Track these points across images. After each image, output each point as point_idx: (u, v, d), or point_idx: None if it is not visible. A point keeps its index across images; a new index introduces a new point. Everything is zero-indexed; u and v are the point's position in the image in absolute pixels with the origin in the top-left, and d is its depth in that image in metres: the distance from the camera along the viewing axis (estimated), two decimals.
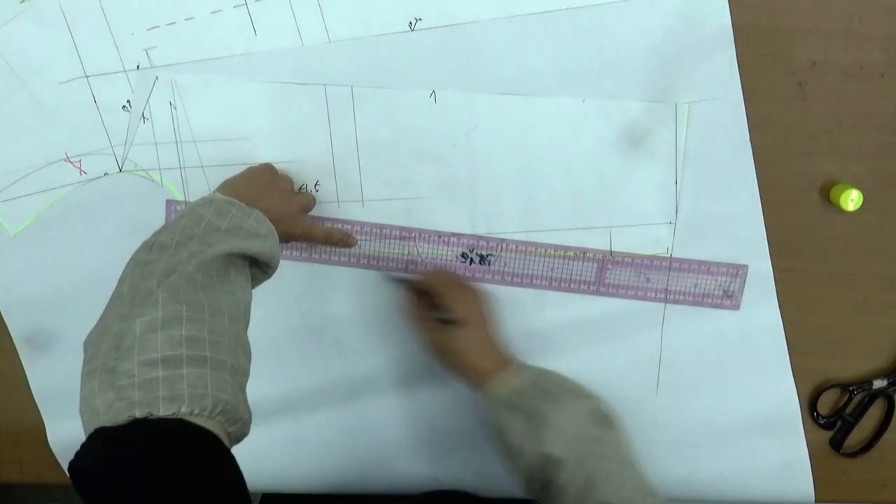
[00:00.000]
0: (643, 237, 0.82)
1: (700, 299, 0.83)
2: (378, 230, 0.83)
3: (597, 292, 0.84)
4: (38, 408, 0.89)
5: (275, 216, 0.69)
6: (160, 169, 0.81)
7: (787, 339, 0.84)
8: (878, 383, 0.86)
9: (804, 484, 0.88)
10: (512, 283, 0.84)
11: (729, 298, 0.83)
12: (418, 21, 0.76)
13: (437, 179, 0.81)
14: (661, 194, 0.80)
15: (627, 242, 0.82)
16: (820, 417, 0.88)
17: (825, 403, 0.88)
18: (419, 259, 0.84)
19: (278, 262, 0.69)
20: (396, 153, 0.80)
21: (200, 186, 0.81)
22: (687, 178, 0.80)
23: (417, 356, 0.84)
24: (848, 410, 0.88)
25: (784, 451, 0.87)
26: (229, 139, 0.80)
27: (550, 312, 0.84)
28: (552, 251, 0.83)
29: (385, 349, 0.86)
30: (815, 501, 0.90)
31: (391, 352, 0.86)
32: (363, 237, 0.83)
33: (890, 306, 0.85)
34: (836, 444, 0.89)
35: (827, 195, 0.81)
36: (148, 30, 0.76)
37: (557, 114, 0.78)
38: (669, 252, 0.82)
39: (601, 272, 0.83)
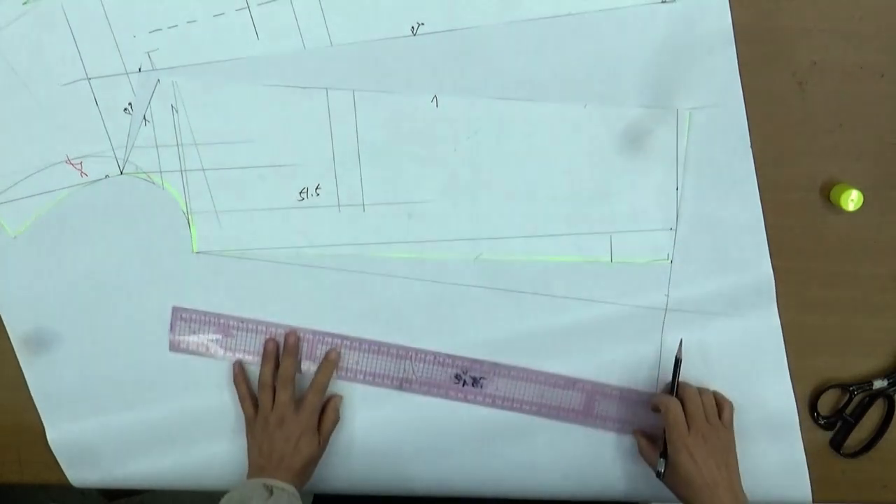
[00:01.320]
0: (643, 243, 0.82)
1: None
2: (376, 347, 0.84)
3: (584, 423, 0.86)
4: (38, 408, 0.89)
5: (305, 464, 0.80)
6: (161, 171, 0.81)
7: (786, 339, 0.84)
8: (878, 383, 0.86)
9: (801, 484, 0.88)
10: (503, 408, 0.86)
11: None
12: (421, 25, 0.76)
13: (439, 184, 0.81)
14: (661, 200, 0.80)
15: (627, 248, 0.82)
16: (820, 418, 0.88)
17: (825, 404, 0.88)
18: (414, 377, 0.85)
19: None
20: (398, 157, 0.80)
21: (201, 189, 0.81)
22: (687, 184, 0.80)
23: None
24: (848, 411, 0.88)
25: (782, 453, 0.87)
26: (231, 142, 0.80)
27: (550, 315, 0.84)
28: (543, 378, 0.85)
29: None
30: (815, 502, 0.90)
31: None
32: (360, 353, 0.84)
33: (890, 306, 0.85)
34: (836, 445, 0.89)
35: (827, 195, 0.81)
36: (150, 32, 0.76)
37: (558, 119, 0.78)
38: (669, 258, 0.82)
39: (589, 403, 0.86)
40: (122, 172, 0.81)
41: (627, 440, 0.87)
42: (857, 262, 0.83)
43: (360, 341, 0.85)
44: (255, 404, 0.84)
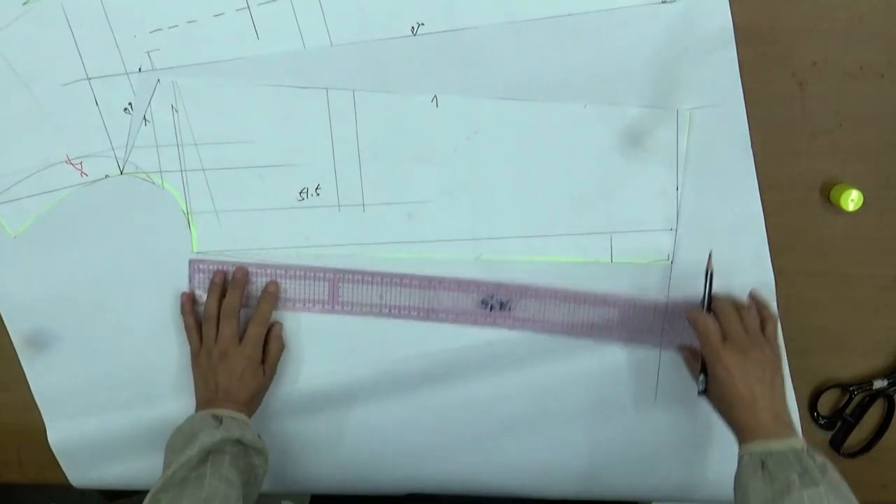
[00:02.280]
0: (644, 243, 0.82)
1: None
2: (398, 280, 0.83)
3: (619, 338, 0.85)
4: (39, 408, 0.89)
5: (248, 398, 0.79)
6: (161, 171, 0.81)
7: (786, 339, 0.84)
8: (878, 383, 0.86)
9: None
10: (534, 329, 0.84)
11: None
12: (421, 25, 0.76)
13: (438, 184, 0.81)
14: (661, 200, 0.80)
15: (628, 248, 0.82)
16: (820, 418, 0.88)
17: (825, 404, 0.88)
18: (439, 307, 0.84)
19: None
20: (398, 157, 0.80)
21: (201, 189, 0.81)
22: (688, 184, 0.80)
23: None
24: (848, 410, 0.88)
25: None
26: (231, 142, 0.80)
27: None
28: (573, 296, 0.83)
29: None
30: None
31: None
32: (383, 286, 0.83)
33: (890, 306, 0.85)
34: (836, 445, 0.89)
35: (827, 195, 0.81)
36: (150, 32, 0.76)
37: (558, 119, 0.78)
38: (670, 259, 0.82)
39: (623, 316, 0.84)
40: (122, 172, 0.81)
41: (627, 440, 0.87)
42: (857, 262, 0.83)
43: (383, 275, 0.83)
44: (202, 337, 0.83)
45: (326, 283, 0.83)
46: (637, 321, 0.84)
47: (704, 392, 0.78)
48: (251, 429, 0.77)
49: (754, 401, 0.72)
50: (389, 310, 0.84)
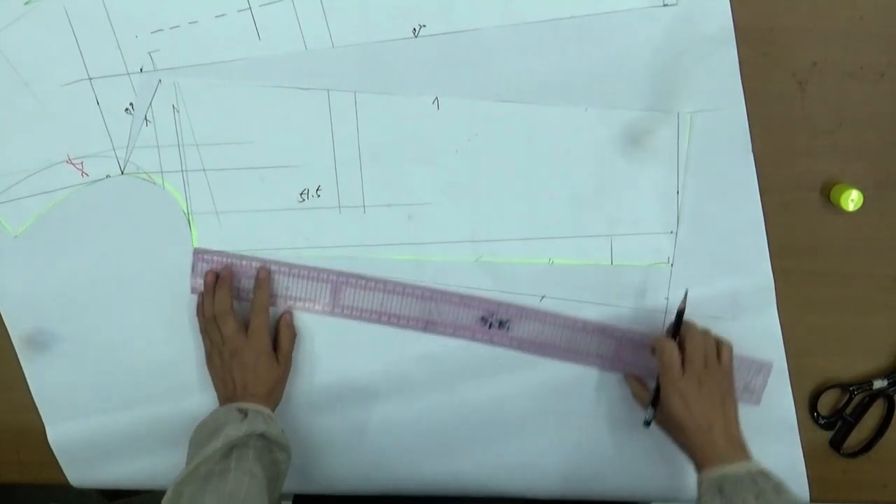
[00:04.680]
0: (644, 246, 0.82)
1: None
2: (401, 289, 0.83)
3: (612, 368, 0.85)
4: (38, 408, 0.89)
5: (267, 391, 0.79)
6: (162, 172, 0.81)
7: (786, 339, 0.84)
8: (878, 383, 0.86)
9: (799, 485, 0.89)
10: (529, 352, 0.85)
11: (750, 393, 0.85)
12: (422, 27, 0.76)
13: (439, 185, 0.81)
14: (662, 203, 0.80)
15: (628, 251, 0.82)
16: (820, 418, 0.88)
17: (825, 404, 0.88)
18: (439, 319, 0.84)
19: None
20: (398, 159, 0.80)
21: (202, 190, 0.81)
22: (688, 186, 0.80)
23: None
24: (848, 410, 0.88)
25: (780, 453, 0.88)
26: (232, 143, 0.80)
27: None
28: (571, 323, 0.84)
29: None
30: (816, 502, 0.90)
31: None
32: (384, 294, 0.83)
33: (890, 306, 0.85)
34: (836, 445, 0.89)
35: (827, 195, 0.81)
36: (152, 33, 0.76)
37: (559, 122, 0.78)
38: (670, 261, 0.82)
39: (619, 350, 0.84)
40: (123, 172, 0.81)
41: (627, 438, 0.88)
42: (857, 262, 0.83)
43: (385, 282, 0.83)
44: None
45: (328, 286, 0.84)
46: (635, 356, 0.85)
47: (649, 424, 0.79)
48: (276, 423, 0.77)
49: (710, 428, 0.73)
50: (389, 318, 0.84)
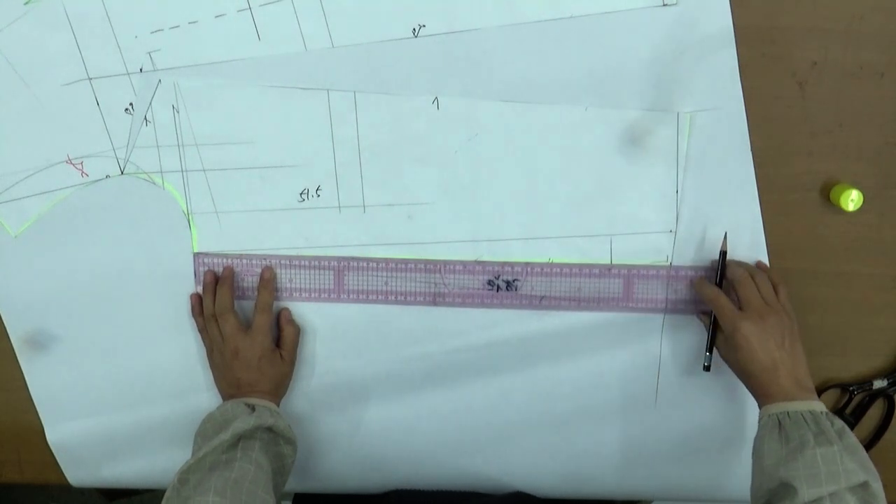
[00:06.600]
0: (643, 245, 0.82)
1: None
2: (403, 265, 0.83)
3: (626, 308, 0.84)
4: (37, 408, 0.89)
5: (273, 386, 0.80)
6: (162, 172, 0.81)
7: None
8: (878, 383, 0.86)
9: None
10: (541, 307, 0.84)
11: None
12: (422, 28, 0.76)
13: (439, 185, 0.81)
14: (661, 203, 0.80)
15: (628, 251, 0.82)
16: None
17: (825, 403, 0.87)
18: (446, 290, 0.84)
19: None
20: (398, 159, 0.80)
21: (202, 190, 0.81)
22: (687, 186, 0.80)
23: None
24: (848, 410, 0.88)
25: None
26: (231, 143, 0.80)
27: (550, 321, 0.84)
28: (577, 270, 0.83)
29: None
30: None
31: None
32: (388, 272, 0.83)
33: (890, 306, 0.85)
34: None
35: (827, 195, 0.81)
36: (151, 33, 0.77)
37: (559, 122, 0.78)
38: (669, 261, 0.82)
39: (628, 286, 0.83)
40: (122, 172, 0.81)
41: (627, 438, 0.87)
42: (857, 262, 0.83)
43: (388, 261, 0.83)
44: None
45: (332, 272, 0.83)
46: (643, 289, 0.83)
47: (708, 368, 0.79)
48: (283, 418, 0.77)
49: (775, 368, 0.72)
50: (395, 296, 0.84)
